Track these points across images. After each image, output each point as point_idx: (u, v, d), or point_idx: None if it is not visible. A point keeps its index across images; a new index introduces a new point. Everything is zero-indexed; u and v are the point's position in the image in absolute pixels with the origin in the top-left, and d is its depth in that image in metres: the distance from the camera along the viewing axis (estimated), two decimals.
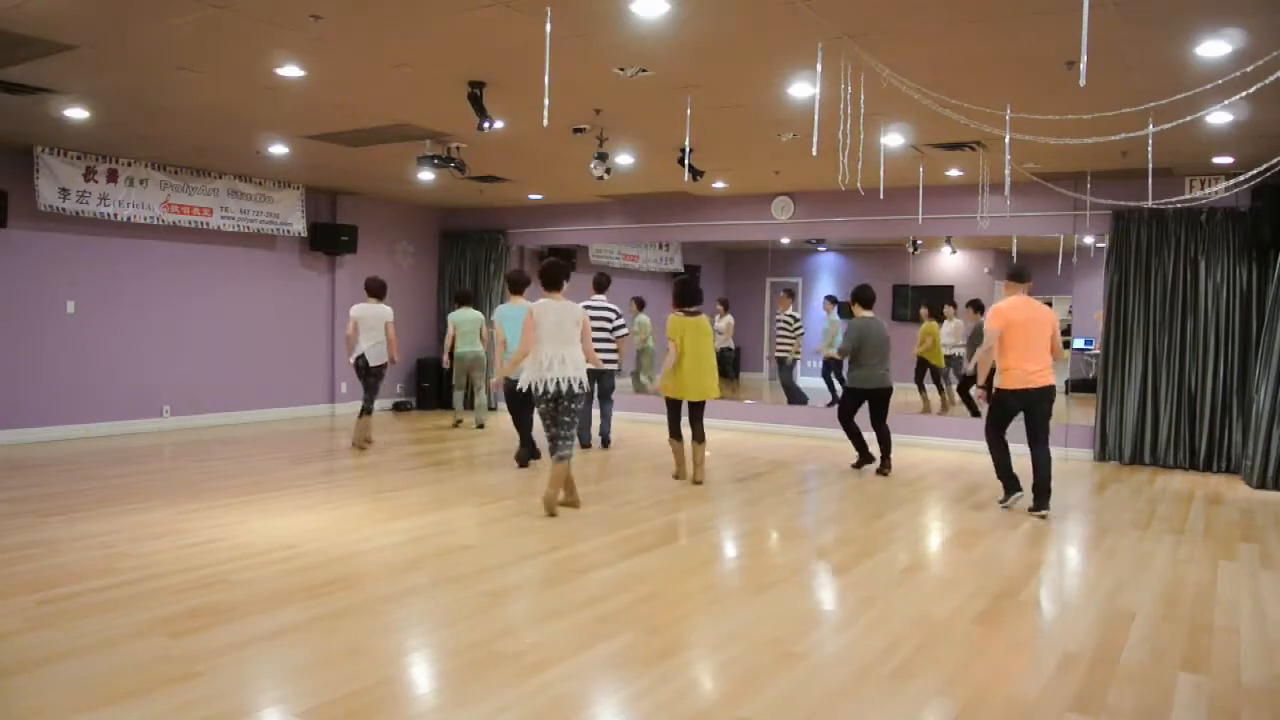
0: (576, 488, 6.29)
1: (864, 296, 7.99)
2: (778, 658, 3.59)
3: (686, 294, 7.20)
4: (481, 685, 3.27)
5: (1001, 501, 6.64)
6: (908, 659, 3.60)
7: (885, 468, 7.82)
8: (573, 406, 5.97)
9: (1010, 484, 6.59)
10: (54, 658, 3.46)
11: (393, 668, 3.52)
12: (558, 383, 5.86)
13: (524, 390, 6.14)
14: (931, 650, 3.71)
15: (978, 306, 10.38)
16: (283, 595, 4.23)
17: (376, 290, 8.73)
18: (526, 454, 7.91)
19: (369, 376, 8.65)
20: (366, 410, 8.73)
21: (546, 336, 5.90)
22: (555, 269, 6.12)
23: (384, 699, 3.16)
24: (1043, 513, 6.34)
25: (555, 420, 5.99)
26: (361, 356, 8.58)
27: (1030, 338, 6.21)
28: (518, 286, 7.70)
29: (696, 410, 7.30)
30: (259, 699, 3.21)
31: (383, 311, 8.63)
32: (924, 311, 11.07)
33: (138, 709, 3.03)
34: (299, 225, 10.69)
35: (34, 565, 4.64)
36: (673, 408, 7.30)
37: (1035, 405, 6.34)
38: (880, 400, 7.85)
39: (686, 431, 7.32)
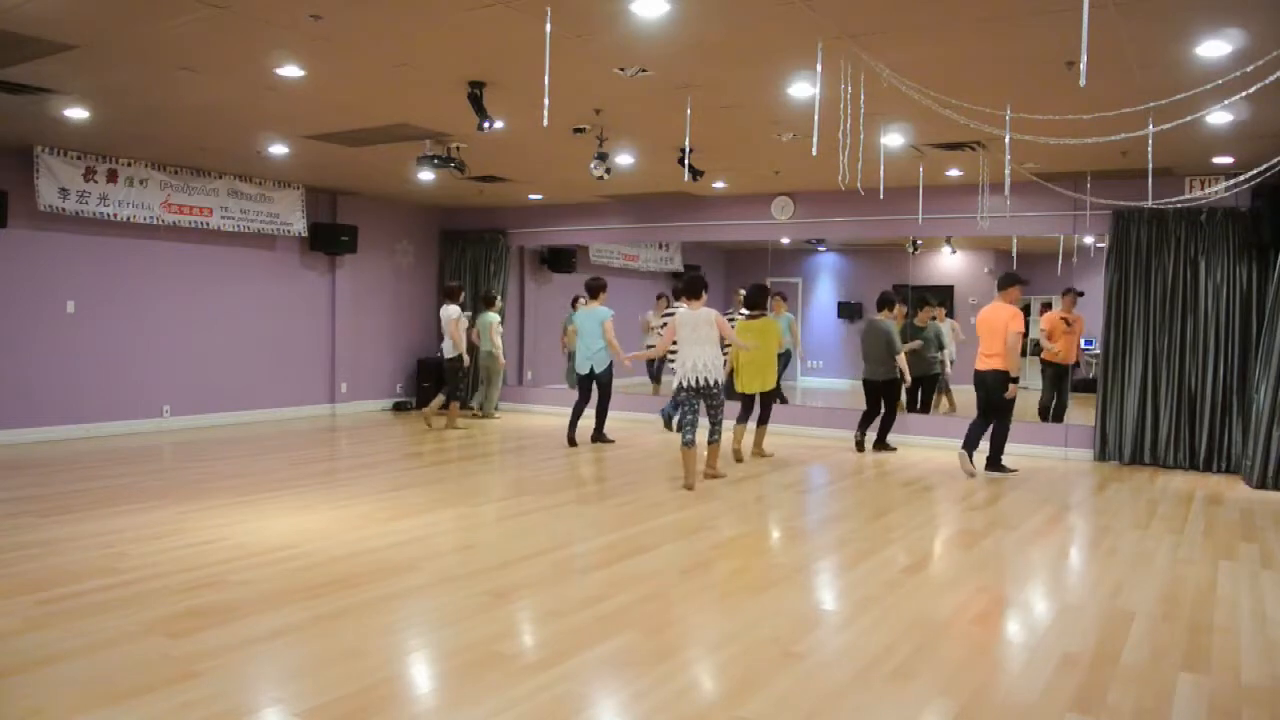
0: (717, 463, 7.37)
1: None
2: (778, 658, 3.59)
3: (748, 299, 8.54)
4: (481, 685, 3.27)
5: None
6: (908, 659, 3.60)
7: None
8: (711, 401, 7.06)
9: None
10: (54, 658, 3.46)
11: (392, 668, 3.52)
12: (700, 379, 6.95)
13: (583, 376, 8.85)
14: (931, 650, 3.71)
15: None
16: (283, 595, 4.23)
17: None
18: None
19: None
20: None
21: (686, 340, 7.01)
22: (695, 282, 7.20)
23: (384, 699, 3.16)
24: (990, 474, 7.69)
25: (704, 409, 7.13)
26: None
27: (984, 333, 7.73)
28: (594, 292, 9.03)
29: (759, 400, 8.54)
30: (259, 699, 3.21)
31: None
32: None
33: (138, 709, 3.03)
34: (299, 225, 10.69)
35: (34, 565, 4.64)
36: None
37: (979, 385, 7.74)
38: None
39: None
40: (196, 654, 3.50)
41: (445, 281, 11.94)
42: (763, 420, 8.61)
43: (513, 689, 3.23)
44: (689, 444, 6.94)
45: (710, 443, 7.25)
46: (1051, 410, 9.75)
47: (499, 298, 11.32)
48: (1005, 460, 7.84)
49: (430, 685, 3.39)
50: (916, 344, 9.82)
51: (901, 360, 8.81)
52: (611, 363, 9.01)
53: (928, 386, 9.98)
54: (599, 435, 9.29)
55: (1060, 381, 9.77)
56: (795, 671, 3.45)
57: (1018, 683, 3.42)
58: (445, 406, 10.26)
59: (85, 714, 2.99)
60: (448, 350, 10.11)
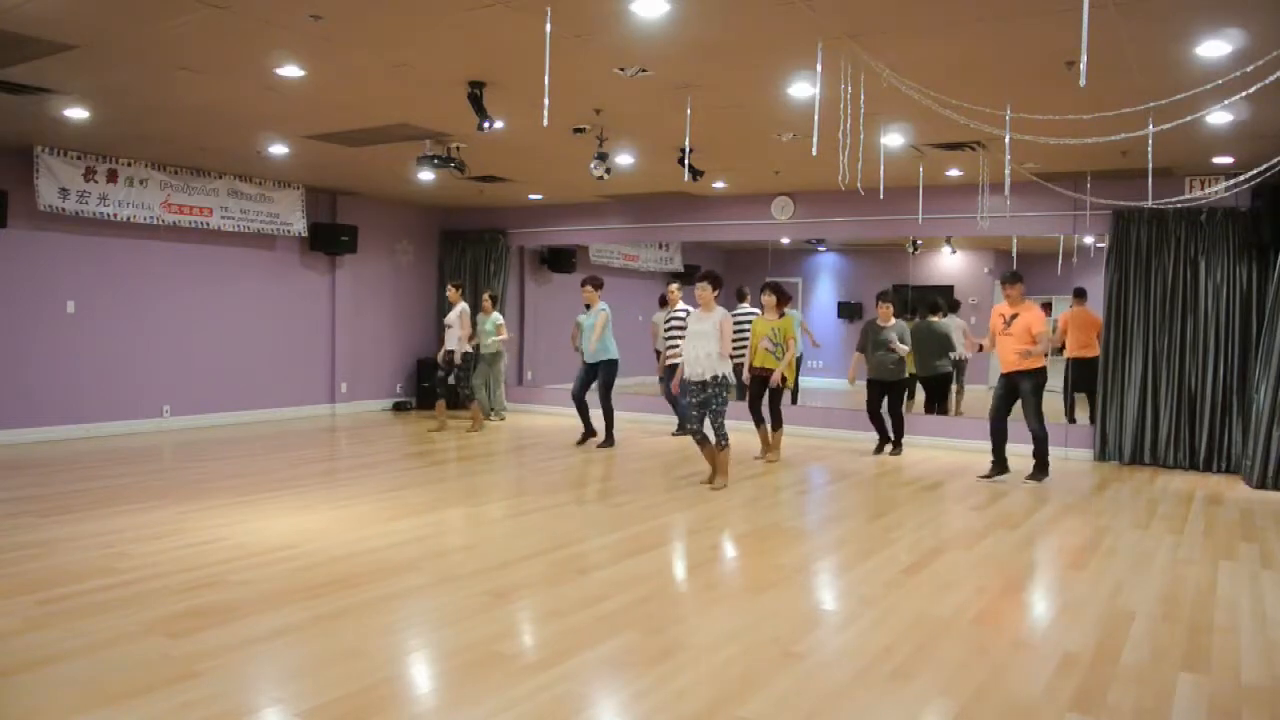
0: (716, 471, 7.06)
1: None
2: (778, 658, 3.59)
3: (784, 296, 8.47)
4: (481, 685, 3.27)
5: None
6: (908, 659, 3.60)
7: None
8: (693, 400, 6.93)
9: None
10: (54, 658, 3.46)
11: (393, 668, 3.52)
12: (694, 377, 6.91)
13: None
14: (931, 650, 3.71)
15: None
16: (283, 595, 4.23)
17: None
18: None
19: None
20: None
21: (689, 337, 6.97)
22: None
23: (384, 699, 3.16)
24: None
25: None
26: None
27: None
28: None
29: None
30: (259, 699, 3.21)
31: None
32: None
33: (138, 709, 3.03)
34: (299, 225, 10.69)
35: (34, 565, 4.64)
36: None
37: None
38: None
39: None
40: (196, 654, 3.50)
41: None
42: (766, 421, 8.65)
43: (513, 689, 3.23)
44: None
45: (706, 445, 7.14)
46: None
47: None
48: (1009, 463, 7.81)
49: (430, 685, 3.39)
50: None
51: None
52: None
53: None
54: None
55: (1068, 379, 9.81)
56: (795, 671, 3.45)
57: (1018, 683, 3.42)
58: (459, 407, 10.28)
59: (85, 714, 2.99)
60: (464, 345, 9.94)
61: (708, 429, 7.00)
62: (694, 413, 6.91)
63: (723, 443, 6.94)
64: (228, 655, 3.51)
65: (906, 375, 8.94)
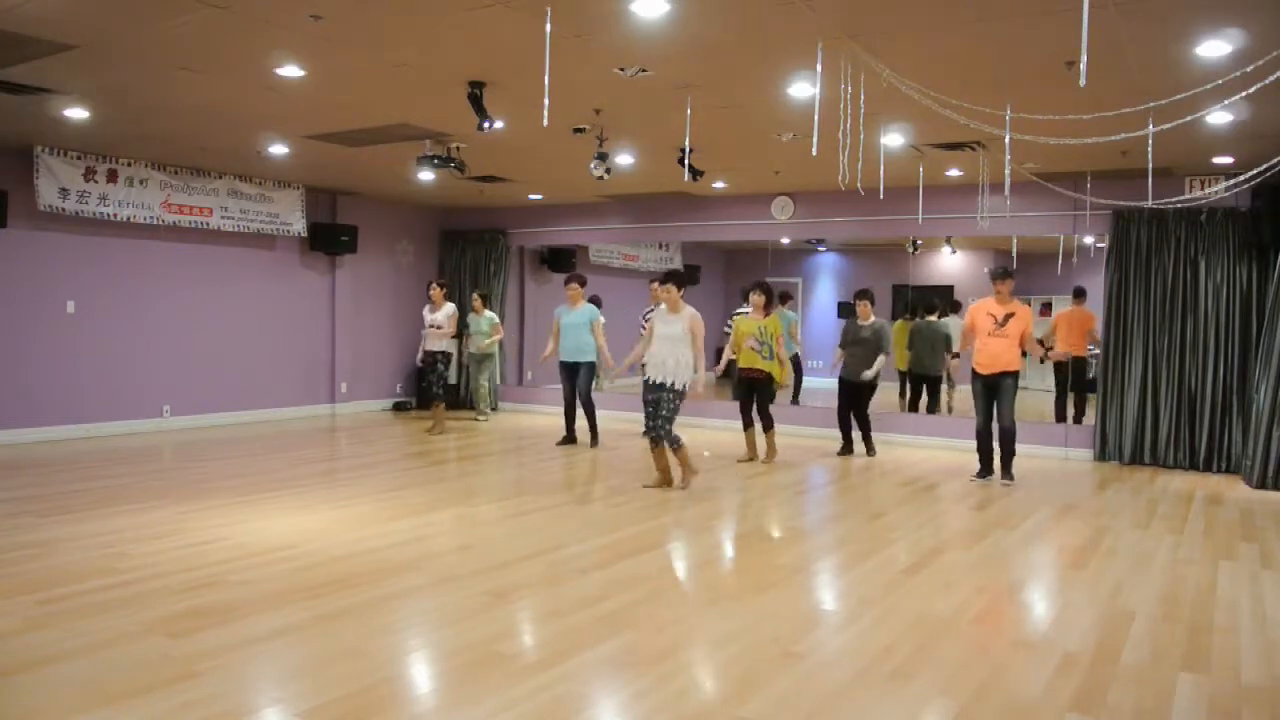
0: (670, 472, 6.91)
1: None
2: (778, 658, 3.59)
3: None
4: (481, 685, 3.27)
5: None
6: (908, 659, 3.60)
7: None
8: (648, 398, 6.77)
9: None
10: (54, 658, 3.46)
11: (392, 668, 3.52)
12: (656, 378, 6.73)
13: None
14: (931, 650, 3.71)
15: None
16: (283, 595, 4.23)
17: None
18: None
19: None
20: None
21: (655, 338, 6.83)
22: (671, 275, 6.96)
23: (384, 699, 3.16)
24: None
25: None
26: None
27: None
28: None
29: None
30: (259, 699, 3.21)
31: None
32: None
33: (138, 709, 3.03)
34: (299, 225, 10.69)
35: (34, 565, 4.64)
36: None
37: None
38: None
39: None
40: (196, 654, 3.50)
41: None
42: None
43: (513, 689, 3.23)
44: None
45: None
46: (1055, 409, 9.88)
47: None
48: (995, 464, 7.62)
49: (430, 685, 3.39)
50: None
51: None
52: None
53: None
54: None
55: (1062, 380, 9.86)
56: (795, 671, 3.45)
57: (1018, 683, 3.42)
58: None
59: (85, 714, 2.99)
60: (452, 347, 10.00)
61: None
62: (649, 409, 6.76)
63: (674, 445, 6.72)
64: (228, 655, 3.51)
65: (870, 382, 8.65)
